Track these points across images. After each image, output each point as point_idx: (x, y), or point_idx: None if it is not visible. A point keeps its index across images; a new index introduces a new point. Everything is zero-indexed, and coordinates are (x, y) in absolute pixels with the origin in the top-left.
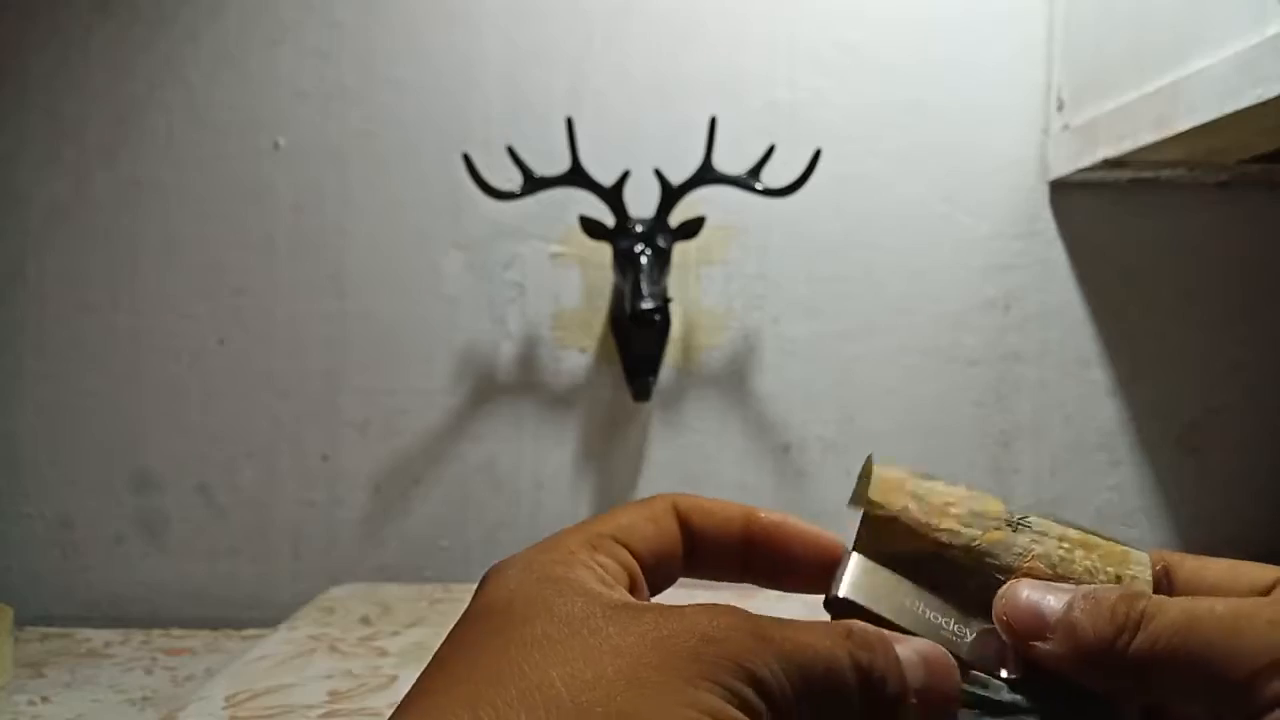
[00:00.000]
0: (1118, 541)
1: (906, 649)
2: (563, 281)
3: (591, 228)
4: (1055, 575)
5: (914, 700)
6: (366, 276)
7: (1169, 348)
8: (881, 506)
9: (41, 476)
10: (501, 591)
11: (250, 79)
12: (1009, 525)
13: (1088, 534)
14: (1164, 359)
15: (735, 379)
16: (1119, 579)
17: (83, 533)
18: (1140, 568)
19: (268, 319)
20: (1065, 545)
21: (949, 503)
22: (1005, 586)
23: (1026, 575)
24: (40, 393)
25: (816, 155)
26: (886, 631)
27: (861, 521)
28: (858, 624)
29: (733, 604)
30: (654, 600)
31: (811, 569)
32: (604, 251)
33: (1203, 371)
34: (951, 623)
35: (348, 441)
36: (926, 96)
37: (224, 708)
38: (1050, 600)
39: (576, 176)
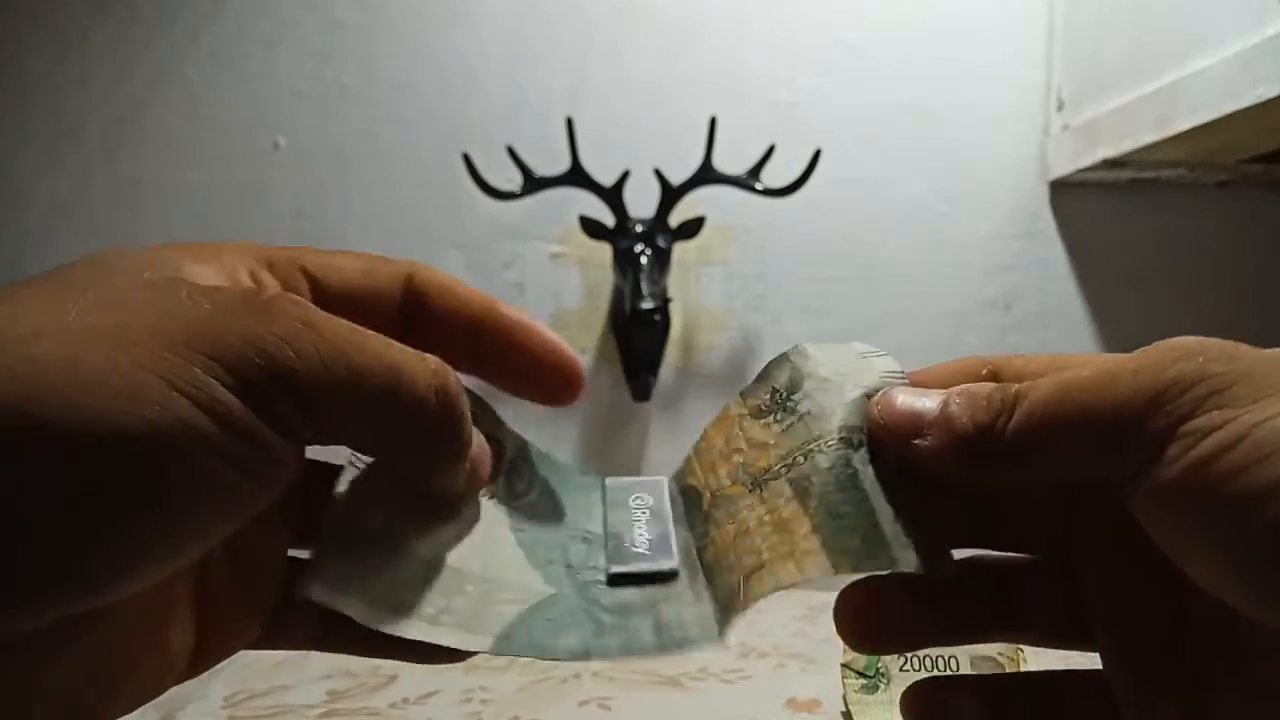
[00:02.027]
0: (821, 538)
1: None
2: (563, 281)
3: (591, 228)
4: (727, 545)
5: (469, 461)
6: None
7: None
8: (706, 439)
9: None
10: (108, 251)
11: (250, 79)
12: (754, 482)
13: (804, 515)
14: None
15: (735, 379)
16: (748, 575)
17: None
18: (767, 579)
19: None
20: (766, 518)
21: (739, 449)
22: (880, 394)
23: (712, 544)
24: None
25: (816, 155)
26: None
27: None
28: (440, 361)
29: None
30: None
31: (548, 378)
32: (604, 251)
33: None
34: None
35: None
36: (927, 97)
37: (222, 707)
38: (925, 401)
39: (576, 176)
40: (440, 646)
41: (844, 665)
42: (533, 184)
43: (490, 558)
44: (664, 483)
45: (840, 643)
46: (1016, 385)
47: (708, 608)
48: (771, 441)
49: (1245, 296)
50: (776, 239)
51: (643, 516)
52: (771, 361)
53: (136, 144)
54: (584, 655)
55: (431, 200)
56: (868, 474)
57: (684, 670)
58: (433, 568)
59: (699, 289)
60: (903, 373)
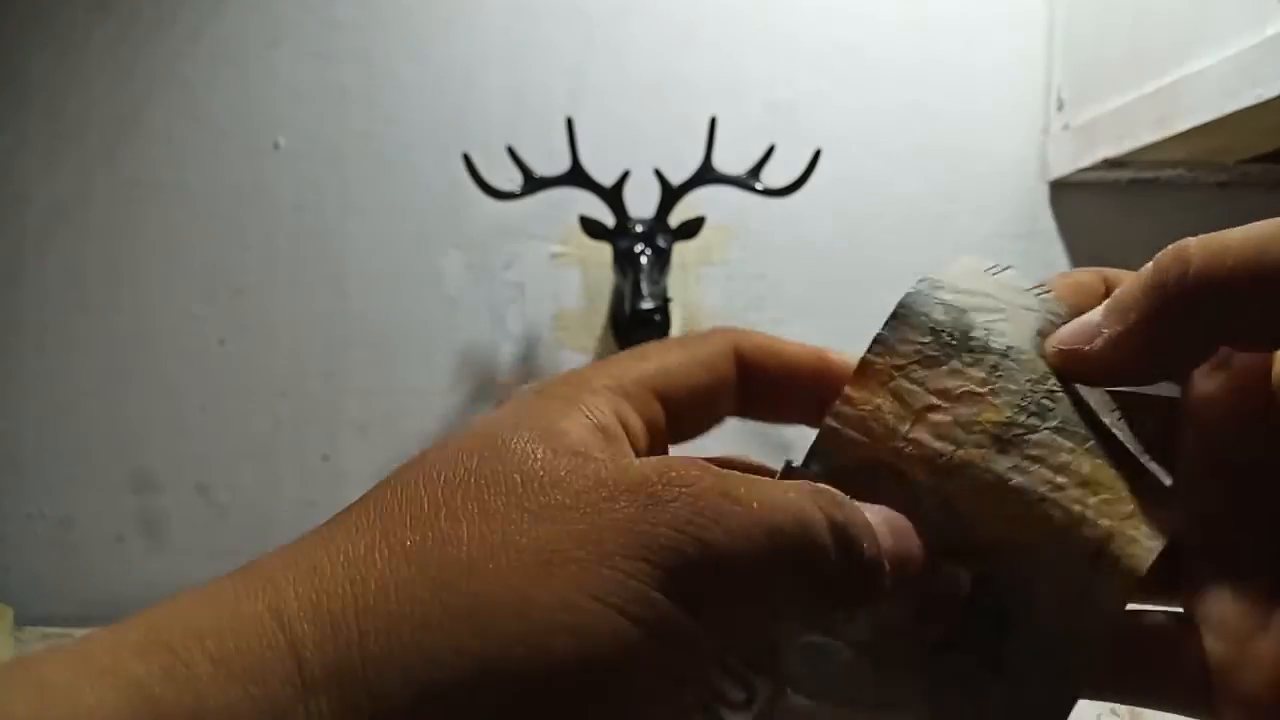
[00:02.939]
0: (1138, 492)
1: (870, 511)
2: (563, 281)
3: (591, 228)
4: (1021, 516)
5: (887, 565)
6: (366, 276)
7: None
8: (850, 403)
9: (41, 476)
10: (479, 422)
11: (250, 79)
12: (997, 441)
13: (1108, 466)
14: None
15: None
16: (1101, 551)
17: (83, 533)
18: (1141, 544)
19: (268, 319)
20: (1060, 480)
21: (933, 405)
22: (1053, 336)
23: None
24: (40, 392)
25: (816, 155)
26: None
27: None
28: (819, 485)
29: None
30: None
31: None
32: (604, 251)
33: None
34: None
35: (348, 442)
36: (926, 96)
37: None
38: (1090, 315)
39: (576, 176)
40: None
41: None
42: (533, 184)
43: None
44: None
45: None
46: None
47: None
48: (983, 390)
49: None
50: (776, 239)
51: None
52: (900, 305)
53: (136, 144)
54: None
55: (431, 200)
56: (1096, 400)
57: None
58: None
59: (699, 289)
60: (1042, 287)
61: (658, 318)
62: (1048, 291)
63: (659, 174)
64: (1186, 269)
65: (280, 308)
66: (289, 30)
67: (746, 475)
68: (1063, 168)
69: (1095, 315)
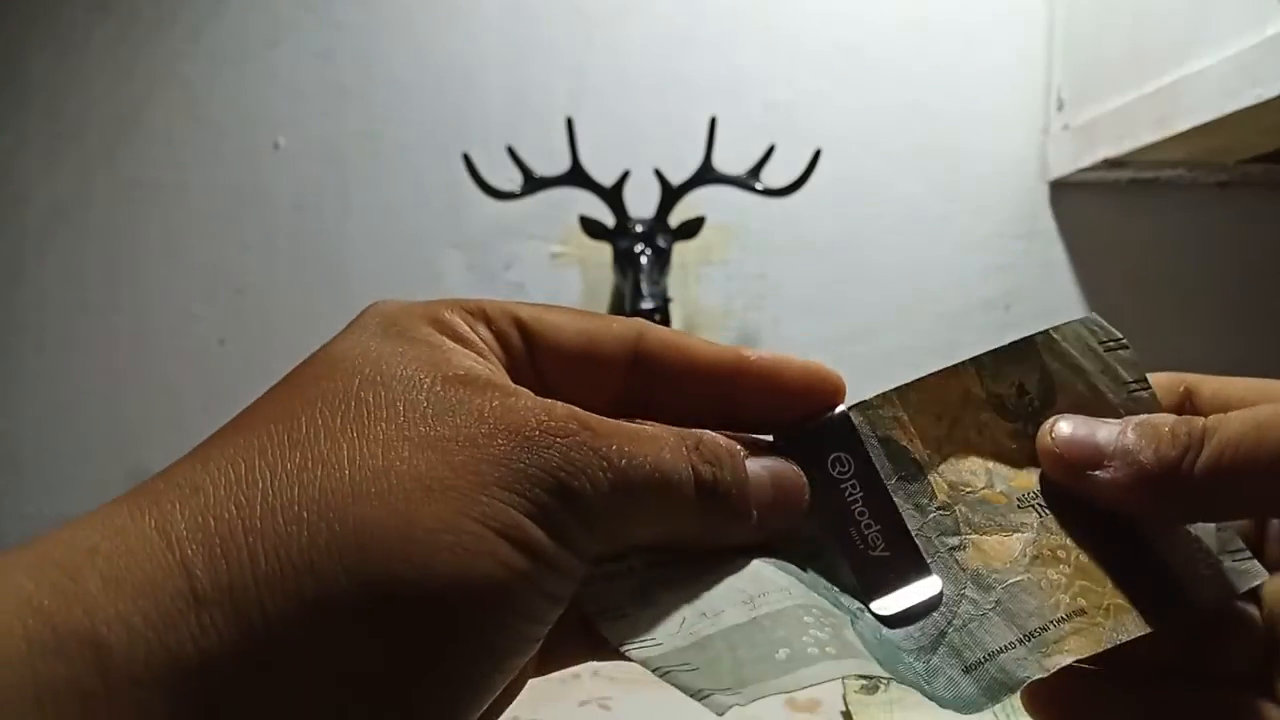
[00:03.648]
0: (1120, 597)
1: (757, 464)
2: (563, 281)
3: (591, 228)
4: (1009, 561)
5: (754, 518)
6: (366, 276)
7: (1169, 347)
8: (925, 389)
9: (41, 476)
10: (351, 337)
11: (250, 79)
12: (1021, 502)
13: (1099, 569)
14: (1164, 359)
15: None
16: (1049, 625)
17: None
18: (1089, 637)
19: (268, 319)
20: (1060, 555)
21: (981, 449)
22: (1049, 421)
23: (976, 550)
24: (40, 393)
25: (816, 155)
26: (739, 443)
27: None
28: (709, 435)
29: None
30: None
31: (814, 404)
32: (604, 251)
33: (1203, 371)
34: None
35: None
36: (926, 97)
37: None
38: (1103, 431)
39: (576, 176)
40: None
41: None
42: (533, 184)
43: (769, 617)
44: (853, 422)
45: None
46: (1204, 420)
47: (1000, 630)
48: (1025, 464)
49: (1245, 296)
50: (776, 239)
51: (856, 492)
52: (1017, 346)
53: (136, 144)
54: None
55: (431, 200)
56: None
57: None
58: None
59: (699, 289)
60: (1143, 383)
61: (658, 317)
62: (1146, 389)
63: (659, 174)
64: (1198, 454)
65: (280, 308)
66: (289, 30)
67: (624, 426)
68: (1063, 168)
69: (1107, 438)
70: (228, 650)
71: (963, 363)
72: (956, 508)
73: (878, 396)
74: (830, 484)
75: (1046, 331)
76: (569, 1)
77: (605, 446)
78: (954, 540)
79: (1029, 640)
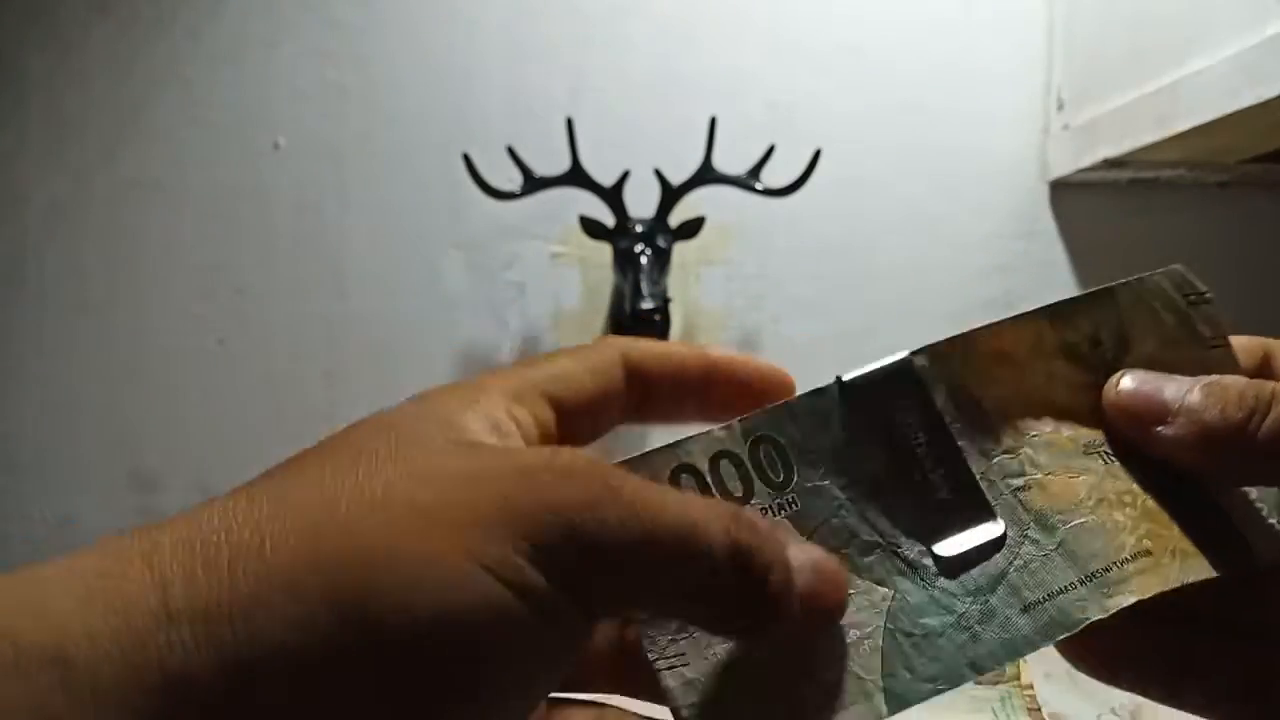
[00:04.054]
0: (1184, 539)
1: (800, 548)
2: (563, 281)
3: (591, 228)
4: (1074, 501)
5: (797, 606)
6: (366, 276)
7: None
8: (1000, 338)
9: (41, 476)
10: (386, 413)
11: (250, 79)
12: (1088, 448)
13: (1170, 519)
14: None
15: None
16: (1115, 564)
17: (83, 533)
18: (1155, 577)
19: (268, 319)
20: (1128, 499)
21: (1054, 397)
22: (1117, 375)
23: (1040, 489)
24: (40, 393)
25: (816, 155)
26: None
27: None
28: (748, 510)
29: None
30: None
31: (771, 398)
32: (604, 251)
33: None
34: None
35: None
36: (927, 97)
37: None
38: (1171, 387)
39: (576, 176)
40: None
41: None
42: (533, 184)
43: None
44: (915, 367)
45: None
46: (1274, 385)
47: (1062, 570)
48: (1093, 413)
49: (1245, 296)
50: (776, 239)
51: (919, 436)
52: (1096, 295)
53: (136, 144)
54: (962, 680)
55: (431, 200)
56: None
57: None
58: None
59: (699, 289)
60: (1219, 339)
61: (658, 317)
62: (1222, 345)
63: (659, 174)
64: (1264, 417)
65: (280, 308)
66: (289, 30)
67: (651, 483)
68: (1063, 168)
69: (1173, 395)
70: (195, 669)
71: (1037, 310)
72: (1022, 450)
73: (945, 341)
74: (894, 428)
75: (1129, 281)
76: (569, 1)
77: (628, 491)
78: (1019, 481)
79: (1091, 580)
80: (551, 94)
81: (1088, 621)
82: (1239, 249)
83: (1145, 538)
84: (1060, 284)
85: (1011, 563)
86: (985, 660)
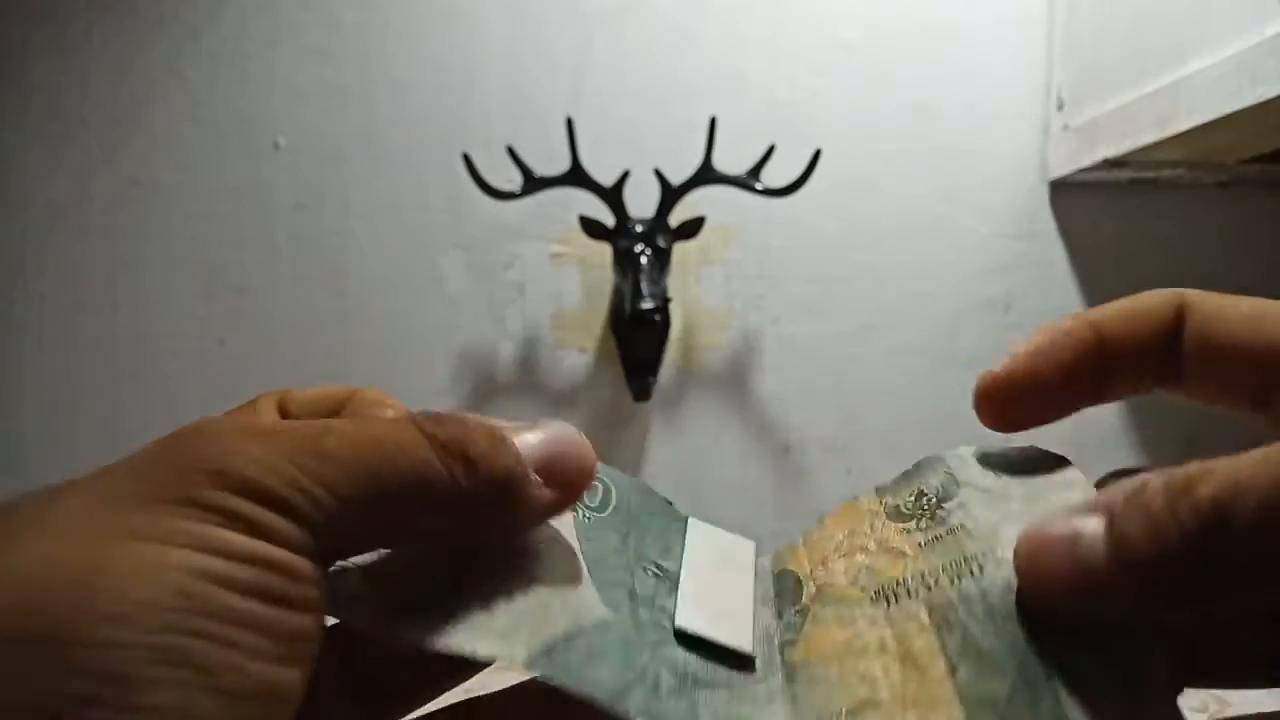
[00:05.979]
0: (955, 683)
1: (533, 429)
2: (563, 281)
3: (591, 228)
4: (830, 654)
5: (537, 482)
6: (366, 276)
7: None
8: (823, 529)
9: (42, 476)
10: None
11: (250, 79)
12: (876, 594)
13: (945, 656)
14: None
15: (735, 379)
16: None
17: None
18: None
19: (268, 319)
20: (892, 644)
21: (863, 548)
22: (1024, 532)
23: (805, 642)
24: (40, 392)
25: (816, 155)
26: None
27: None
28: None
29: None
30: None
31: None
32: (604, 251)
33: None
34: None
35: None
36: (927, 97)
37: None
38: (1084, 523)
39: (576, 176)
40: (466, 660)
41: None
42: (533, 184)
43: (548, 565)
44: (752, 548)
45: None
46: (1202, 486)
47: (781, 717)
48: (910, 552)
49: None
50: (776, 239)
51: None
52: (924, 460)
53: (136, 144)
54: (621, 702)
55: (431, 200)
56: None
57: None
58: (474, 575)
59: (699, 289)
60: (1085, 491)
61: (658, 318)
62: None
63: (659, 174)
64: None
65: (280, 308)
66: (289, 30)
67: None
68: (1063, 168)
69: (1089, 532)
70: None
71: (866, 492)
72: (813, 607)
73: (785, 547)
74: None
75: (961, 449)
76: (569, 1)
77: (304, 430)
78: (790, 637)
79: None
80: (551, 94)
81: None
82: (1239, 249)
83: (894, 686)
84: (1060, 284)
85: (734, 685)
86: (633, 702)
